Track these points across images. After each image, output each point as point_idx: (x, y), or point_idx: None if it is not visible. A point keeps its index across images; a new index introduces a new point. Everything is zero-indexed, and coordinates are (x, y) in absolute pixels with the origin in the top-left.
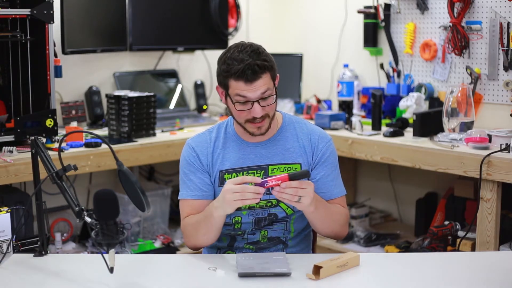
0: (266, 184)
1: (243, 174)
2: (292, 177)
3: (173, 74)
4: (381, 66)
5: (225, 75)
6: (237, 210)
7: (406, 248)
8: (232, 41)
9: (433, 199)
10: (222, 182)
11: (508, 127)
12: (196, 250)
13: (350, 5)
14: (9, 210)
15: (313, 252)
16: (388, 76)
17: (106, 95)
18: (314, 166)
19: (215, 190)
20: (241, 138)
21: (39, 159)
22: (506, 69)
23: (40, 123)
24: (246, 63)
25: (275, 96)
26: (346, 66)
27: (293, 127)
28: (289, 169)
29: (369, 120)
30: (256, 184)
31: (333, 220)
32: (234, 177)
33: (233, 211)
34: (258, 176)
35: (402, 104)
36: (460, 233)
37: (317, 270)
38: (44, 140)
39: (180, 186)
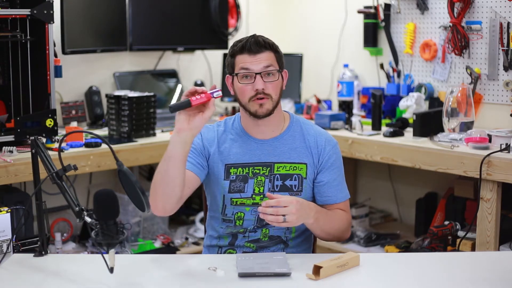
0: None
1: (248, 170)
2: (173, 108)
3: (173, 74)
4: (381, 66)
5: (231, 54)
6: (241, 205)
7: (406, 248)
8: (232, 41)
9: (433, 199)
10: (227, 176)
11: (508, 127)
12: (166, 214)
13: (350, 5)
14: (9, 210)
15: (313, 252)
16: (388, 76)
17: (106, 95)
18: (320, 170)
19: (220, 182)
20: (248, 133)
21: (39, 159)
22: (506, 69)
23: (40, 123)
24: (250, 38)
25: (278, 74)
26: (346, 66)
27: (300, 128)
28: (295, 168)
29: (369, 120)
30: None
31: (334, 228)
32: (239, 171)
33: (191, 128)
34: (263, 173)
35: (402, 104)
36: (460, 233)
37: (317, 270)
38: (44, 140)
39: None
